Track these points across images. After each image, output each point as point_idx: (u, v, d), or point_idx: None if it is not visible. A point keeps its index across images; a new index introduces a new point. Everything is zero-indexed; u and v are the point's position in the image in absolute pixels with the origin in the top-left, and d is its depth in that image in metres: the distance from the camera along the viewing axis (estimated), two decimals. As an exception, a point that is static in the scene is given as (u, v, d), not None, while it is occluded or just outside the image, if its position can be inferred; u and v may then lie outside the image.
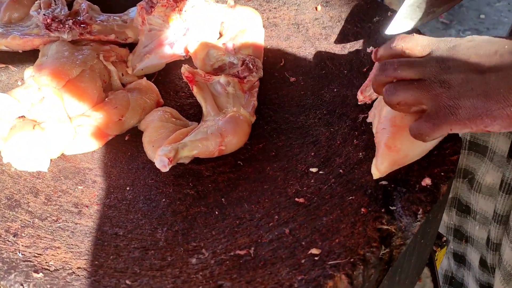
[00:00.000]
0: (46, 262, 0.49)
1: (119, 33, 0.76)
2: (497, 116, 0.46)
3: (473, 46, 0.50)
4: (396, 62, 0.52)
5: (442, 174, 0.54)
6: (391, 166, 0.55)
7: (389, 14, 0.76)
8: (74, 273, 0.48)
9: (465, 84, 0.47)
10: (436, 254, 0.70)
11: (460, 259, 0.96)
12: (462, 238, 0.92)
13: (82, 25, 0.73)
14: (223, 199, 0.58)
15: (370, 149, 0.59)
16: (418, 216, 0.50)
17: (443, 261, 0.97)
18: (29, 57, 0.74)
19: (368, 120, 0.63)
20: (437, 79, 0.49)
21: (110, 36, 0.75)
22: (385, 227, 0.50)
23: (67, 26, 0.72)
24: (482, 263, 0.87)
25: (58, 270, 0.48)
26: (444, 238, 0.72)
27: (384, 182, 0.55)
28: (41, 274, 0.48)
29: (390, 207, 0.52)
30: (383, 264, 0.50)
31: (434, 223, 0.58)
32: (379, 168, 0.55)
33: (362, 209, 0.52)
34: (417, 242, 0.55)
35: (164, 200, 0.58)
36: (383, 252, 0.49)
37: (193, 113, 0.70)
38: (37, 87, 0.65)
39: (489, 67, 0.47)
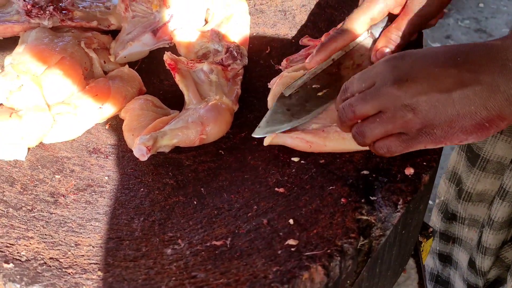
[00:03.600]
0: (17, 252, 0.48)
1: (102, 19, 0.75)
2: (472, 131, 0.46)
3: (426, 53, 0.48)
4: (350, 102, 0.50)
5: (424, 163, 0.53)
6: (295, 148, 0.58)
7: None
8: (45, 263, 0.47)
9: (433, 107, 0.45)
10: (422, 245, 0.69)
11: (445, 259, 0.95)
12: (449, 240, 0.92)
13: (63, 12, 0.72)
14: (202, 189, 0.56)
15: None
16: (398, 207, 0.49)
17: (428, 260, 0.97)
18: (9, 44, 0.73)
19: (269, 85, 0.64)
20: (397, 106, 0.47)
21: (92, 23, 0.73)
22: (365, 217, 0.49)
23: (47, 12, 0.71)
24: (471, 264, 0.86)
25: (30, 260, 0.48)
26: (431, 229, 0.71)
27: (365, 172, 0.54)
28: (11, 265, 0.47)
29: (371, 198, 0.51)
30: (362, 256, 0.49)
31: (416, 213, 0.57)
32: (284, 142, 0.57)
33: (342, 199, 0.51)
34: (398, 233, 0.54)
35: (142, 189, 0.57)
36: (362, 243, 0.48)
37: (177, 102, 0.68)
38: (16, 74, 0.64)
39: (451, 84, 0.45)
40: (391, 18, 0.62)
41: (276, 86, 0.62)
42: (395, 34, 0.60)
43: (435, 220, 0.94)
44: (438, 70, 0.46)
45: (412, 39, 0.63)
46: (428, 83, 0.46)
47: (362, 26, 0.60)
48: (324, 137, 0.56)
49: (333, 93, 0.59)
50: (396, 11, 0.61)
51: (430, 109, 0.46)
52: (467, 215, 0.85)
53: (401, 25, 0.59)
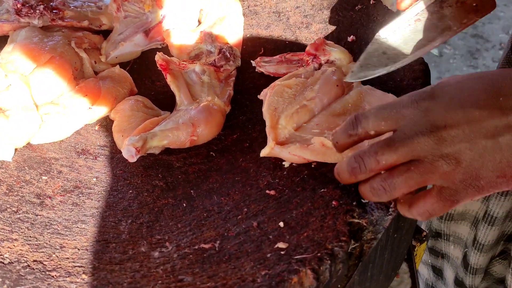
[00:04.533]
0: (0, 255, 0.47)
1: (93, 19, 0.74)
2: None
3: (460, 91, 0.41)
4: (373, 149, 0.43)
5: (417, 166, 0.52)
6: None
7: (371, 2, 0.74)
8: (29, 266, 0.46)
9: (478, 155, 0.40)
10: (416, 250, 0.68)
11: (438, 272, 0.94)
12: (438, 255, 0.91)
13: (54, 11, 0.71)
14: (192, 191, 0.55)
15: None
16: (390, 210, 0.48)
17: (424, 270, 0.96)
18: (-1, 43, 0.72)
19: (260, 96, 0.62)
20: (436, 156, 0.40)
21: (83, 23, 0.72)
22: (356, 220, 0.48)
23: (38, 11, 0.70)
24: (458, 283, 0.86)
25: (13, 263, 0.46)
26: (424, 233, 0.70)
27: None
28: (-7, 267, 0.46)
29: (362, 200, 0.50)
30: (353, 259, 0.48)
31: (409, 217, 0.56)
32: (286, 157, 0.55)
33: (333, 202, 0.50)
34: (390, 237, 0.53)
35: (131, 191, 0.56)
36: (353, 246, 0.47)
37: (169, 103, 0.67)
38: (4, 73, 0.63)
39: (497, 128, 0.39)
40: None
41: (269, 96, 0.60)
42: None
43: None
44: (480, 113, 0.40)
45: None
46: (470, 128, 0.40)
47: None
48: (323, 153, 0.53)
49: (435, 35, 0.52)
50: None
51: (476, 158, 0.40)
52: (451, 232, 0.84)
53: None
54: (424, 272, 0.97)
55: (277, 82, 0.62)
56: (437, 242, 0.89)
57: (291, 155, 0.54)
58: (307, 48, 0.66)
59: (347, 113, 0.58)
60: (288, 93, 0.60)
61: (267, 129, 0.57)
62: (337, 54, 0.65)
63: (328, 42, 0.67)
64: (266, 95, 0.61)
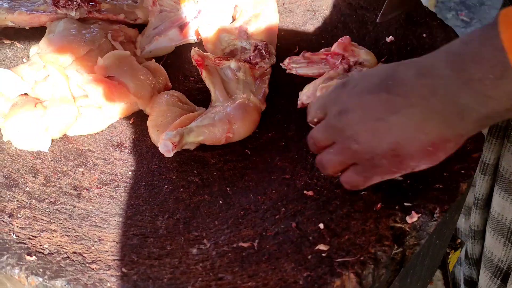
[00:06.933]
0: (40, 245, 0.47)
1: (129, 13, 0.74)
2: (420, 157, 0.42)
3: (362, 78, 0.46)
4: (311, 134, 0.49)
5: (462, 171, 0.50)
6: None
7: (411, 3, 0.72)
8: (68, 257, 0.46)
9: (372, 136, 0.43)
10: (450, 257, 0.67)
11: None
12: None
13: (90, 3, 0.71)
14: (228, 188, 0.55)
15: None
16: (435, 215, 0.47)
17: None
18: (35, 34, 0.72)
19: (303, 101, 0.62)
20: (343, 137, 0.45)
21: (119, 16, 0.72)
22: (399, 225, 0.47)
23: (75, 3, 0.70)
24: (466, 254, 0.84)
25: (53, 254, 0.46)
26: (459, 240, 0.68)
27: (399, 178, 0.52)
28: (34, 257, 0.46)
29: (405, 204, 0.49)
30: (394, 264, 0.47)
31: (451, 223, 0.55)
32: None
33: (376, 205, 0.49)
34: (432, 243, 0.52)
35: (166, 186, 0.55)
36: (396, 251, 0.46)
37: (202, 99, 0.67)
38: (42, 64, 0.63)
39: (383, 110, 0.42)
40: None
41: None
42: None
43: None
44: (371, 97, 0.43)
45: None
46: (363, 111, 0.43)
47: None
48: None
49: None
50: None
51: (371, 138, 0.43)
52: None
53: None
54: None
55: (319, 84, 0.60)
56: None
57: None
58: (334, 48, 0.65)
59: None
60: None
61: None
62: (365, 55, 0.64)
63: (353, 43, 0.66)
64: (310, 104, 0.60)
